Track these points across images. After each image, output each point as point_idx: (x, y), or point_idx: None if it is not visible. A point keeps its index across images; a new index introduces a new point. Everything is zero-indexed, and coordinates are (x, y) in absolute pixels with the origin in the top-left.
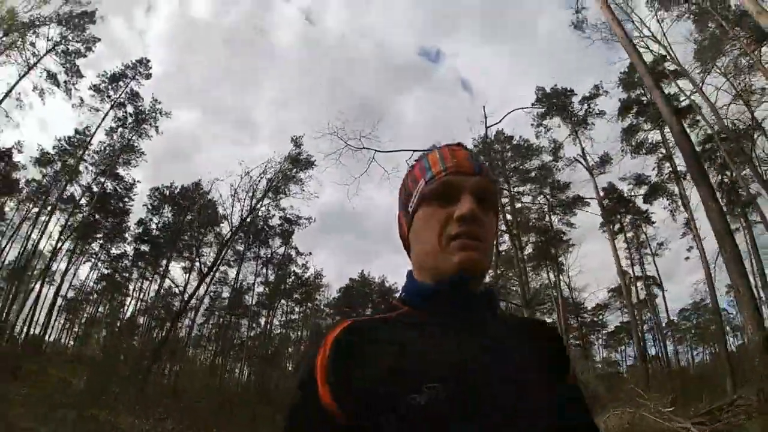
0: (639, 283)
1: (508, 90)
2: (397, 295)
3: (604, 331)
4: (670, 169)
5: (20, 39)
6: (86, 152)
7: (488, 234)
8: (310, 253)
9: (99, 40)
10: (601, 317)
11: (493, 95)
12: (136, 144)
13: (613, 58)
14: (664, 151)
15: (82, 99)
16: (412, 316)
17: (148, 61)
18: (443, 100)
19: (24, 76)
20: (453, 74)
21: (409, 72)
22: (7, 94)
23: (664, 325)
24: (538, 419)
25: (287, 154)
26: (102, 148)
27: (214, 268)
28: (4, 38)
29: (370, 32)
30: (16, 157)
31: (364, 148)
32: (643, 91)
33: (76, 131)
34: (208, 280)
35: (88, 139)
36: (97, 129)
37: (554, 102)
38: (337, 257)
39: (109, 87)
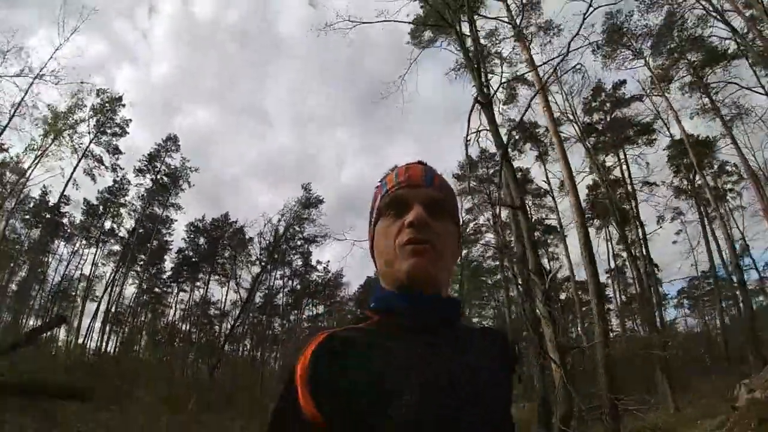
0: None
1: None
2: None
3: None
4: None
5: (68, 137)
6: (125, 199)
7: (441, 239)
8: (329, 261)
9: (131, 120)
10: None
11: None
12: (174, 201)
13: None
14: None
15: (129, 180)
16: (384, 325)
17: (176, 137)
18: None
19: (76, 167)
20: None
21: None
22: (66, 185)
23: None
24: (500, 418)
25: (298, 198)
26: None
27: (251, 298)
28: (53, 142)
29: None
30: (64, 208)
31: (346, 239)
32: (603, 117)
33: (115, 181)
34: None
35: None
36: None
37: (525, 130)
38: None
39: (149, 166)
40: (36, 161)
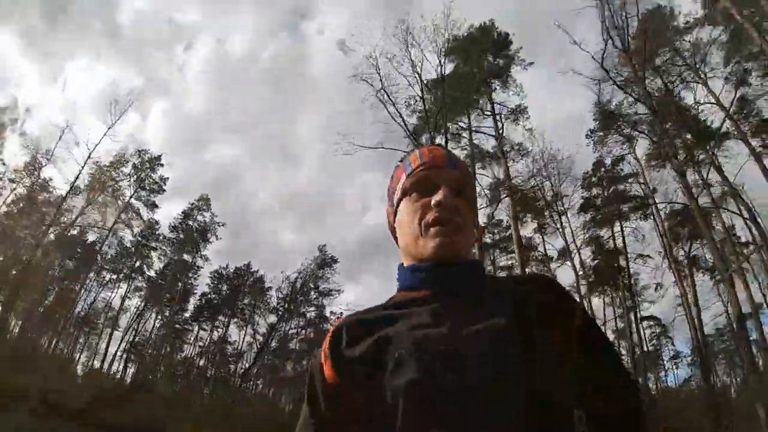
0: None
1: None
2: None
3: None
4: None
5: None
6: (156, 243)
7: (465, 220)
8: (341, 313)
9: (168, 179)
10: None
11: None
12: (202, 251)
13: None
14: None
15: (164, 235)
16: (404, 297)
17: (208, 197)
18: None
19: (117, 219)
20: None
21: None
22: (107, 236)
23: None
24: (526, 370)
25: (314, 258)
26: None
27: (268, 344)
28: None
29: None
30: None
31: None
32: (601, 192)
33: (147, 225)
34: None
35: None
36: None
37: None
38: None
39: (182, 224)
40: (80, 212)
